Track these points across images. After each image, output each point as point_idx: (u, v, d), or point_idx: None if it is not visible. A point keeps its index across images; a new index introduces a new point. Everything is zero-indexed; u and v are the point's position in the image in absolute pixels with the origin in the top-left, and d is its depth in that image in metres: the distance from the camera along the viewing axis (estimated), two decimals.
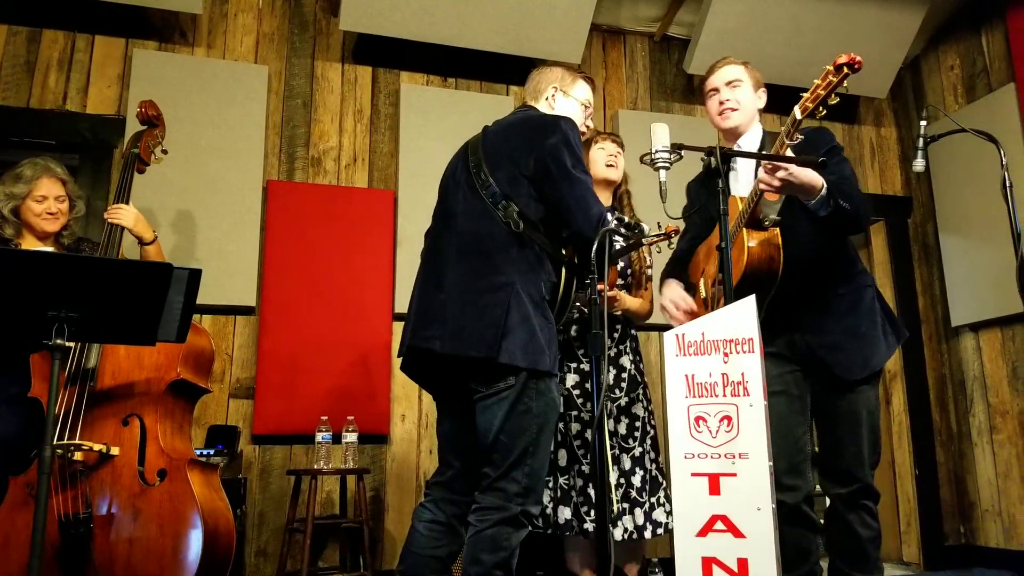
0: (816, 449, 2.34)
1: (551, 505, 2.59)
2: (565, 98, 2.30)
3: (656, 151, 2.08)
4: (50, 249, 2.72)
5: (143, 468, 2.32)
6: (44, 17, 3.65)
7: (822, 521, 2.26)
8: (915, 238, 4.83)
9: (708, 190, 2.43)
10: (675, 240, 2.53)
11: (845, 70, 1.82)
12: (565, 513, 2.54)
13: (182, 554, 2.24)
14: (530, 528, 1.99)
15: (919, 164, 2.85)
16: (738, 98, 2.34)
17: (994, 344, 4.31)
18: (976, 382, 4.42)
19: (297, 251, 3.73)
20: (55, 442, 2.22)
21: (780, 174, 1.95)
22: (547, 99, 2.31)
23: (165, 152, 2.87)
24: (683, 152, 2.19)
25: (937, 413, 4.57)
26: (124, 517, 2.27)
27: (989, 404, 4.32)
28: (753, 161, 2.30)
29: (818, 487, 2.43)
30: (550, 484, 2.62)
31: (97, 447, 2.28)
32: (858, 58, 1.83)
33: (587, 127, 2.35)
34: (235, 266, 3.63)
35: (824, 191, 2.03)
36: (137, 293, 2.08)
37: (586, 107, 2.34)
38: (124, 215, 2.65)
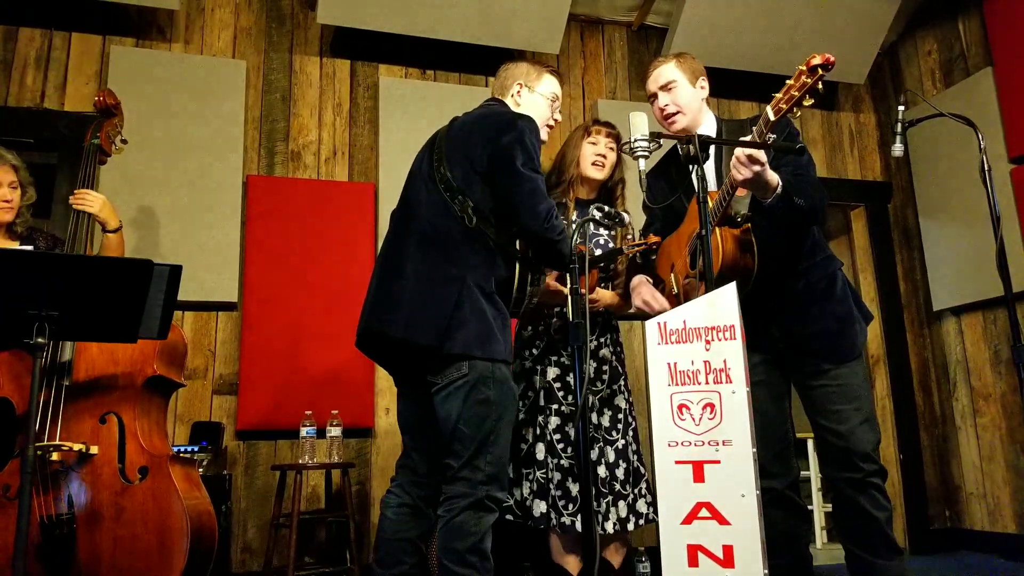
0: (800, 436, 2.34)
1: (529, 498, 2.59)
2: (531, 94, 2.34)
3: (635, 140, 2.08)
4: (5, 240, 2.67)
5: (123, 466, 2.30)
6: (20, 15, 3.60)
7: (820, 507, 2.22)
8: (895, 223, 4.87)
9: (668, 181, 2.43)
10: (656, 249, 2.51)
11: (819, 71, 1.79)
12: (541, 507, 2.54)
13: (168, 550, 2.23)
14: (498, 512, 2.02)
15: (898, 149, 2.85)
16: (677, 101, 2.32)
17: (976, 328, 4.36)
18: (959, 366, 4.47)
19: (278, 246, 3.71)
20: (35, 443, 2.21)
21: (755, 168, 1.94)
22: (512, 95, 2.35)
23: (125, 142, 2.82)
24: (662, 140, 2.20)
25: (920, 397, 4.62)
26: (107, 516, 2.25)
27: (972, 388, 4.37)
28: (714, 158, 2.30)
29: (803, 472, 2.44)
30: (529, 476, 2.62)
31: (76, 447, 2.26)
32: (832, 58, 1.79)
33: (554, 121, 2.39)
34: (216, 262, 3.60)
35: (780, 190, 2.03)
36: (118, 290, 2.06)
37: (553, 101, 2.38)
38: (91, 201, 2.60)
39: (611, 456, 2.64)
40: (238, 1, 3.96)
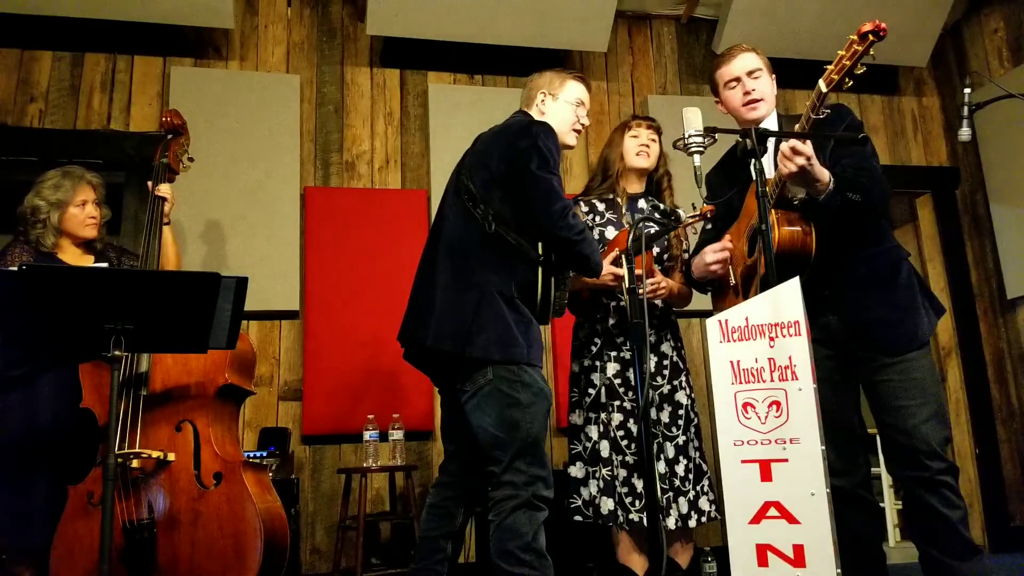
0: (871, 432, 2.27)
1: (597, 496, 2.58)
2: (554, 102, 2.38)
3: (689, 136, 2.05)
4: (86, 256, 2.79)
5: (199, 472, 2.38)
6: (85, 41, 3.76)
7: (892, 505, 2.14)
8: (964, 209, 4.69)
9: (728, 179, 2.39)
10: (711, 219, 2.48)
11: (870, 37, 1.75)
12: (608, 504, 2.54)
13: (243, 553, 2.30)
14: (547, 510, 2.05)
15: (965, 133, 2.76)
16: (762, 89, 2.30)
17: None
18: None
19: (336, 254, 3.78)
20: (116, 451, 2.31)
21: (799, 160, 1.90)
22: (537, 105, 2.40)
23: (192, 160, 2.92)
24: (717, 135, 2.16)
25: (996, 389, 4.44)
26: (185, 520, 2.33)
27: None
28: (772, 153, 2.25)
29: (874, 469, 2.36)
30: (595, 475, 2.61)
31: (155, 454, 2.35)
32: (883, 24, 1.75)
33: (581, 126, 2.42)
34: (278, 272, 3.69)
35: (832, 185, 1.97)
36: (188, 303, 2.13)
37: (578, 106, 2.40)
38: (167, 190, 2.74)
39: (671, 452, 2.62)
40: (290, 17, 4.05)
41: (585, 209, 2.85)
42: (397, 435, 3.25)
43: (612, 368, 2.66)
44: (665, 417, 2.66)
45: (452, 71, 4.19)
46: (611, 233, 2.78)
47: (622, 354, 2.67)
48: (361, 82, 4.08)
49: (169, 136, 2.87)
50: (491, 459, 2.08)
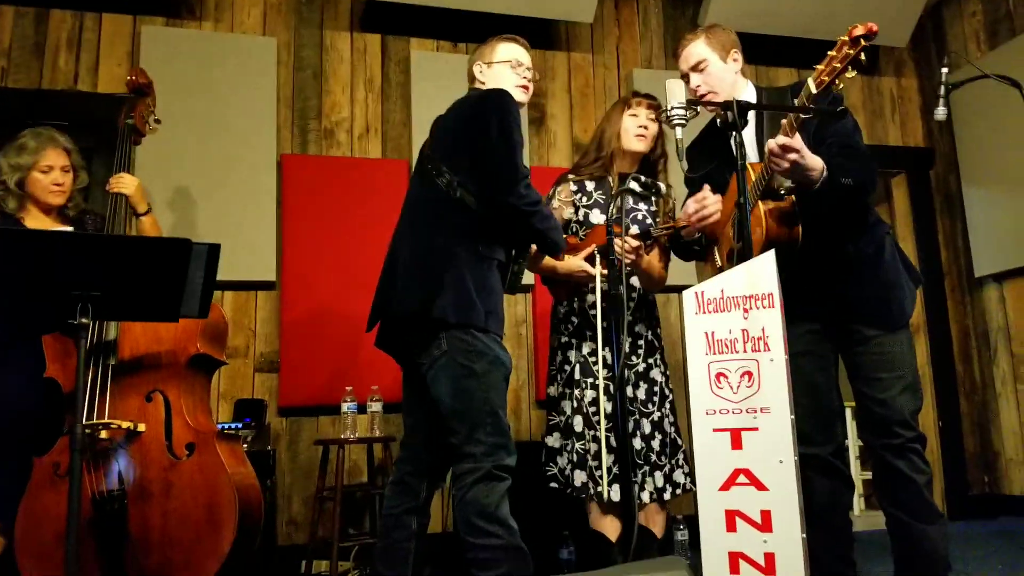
0: (846, 404, 2.32)
1: (568, 468, 2.62)
2: (490, 69, 2.37)
3: (672, 108, 2.04)
4: (57, 223, 2.70)
5: (170, 442, 2.36)
6: None
7: (859, 475, 2.19)
8: (937, 189, 4.76)
9: (709, 153, 2.38)
10: (683, 231, 2.47)
11: (862, 42, 1.75)
12: (581, 477, 2.59)
13: (217, 524, 2.29)
14: (510, 478, 2.05)
15: (940, 113, 2.78)
16: (708, 81, 2.27)
17: (1018, 293, 4.26)
18: (1000, 332, 4.38)
19: (314, 224, 3.74)
20: (84, 422, 2.26)
21: (791, 156, 1.90)
22: (478, 78, 2.40)
23: (158, 122, 2.82)
24: (699, 108, 2.16)
25: (960, 364, 4.54)
26: (156, 491, 2.31)
27: (1013, 354, 4.28)
28: (754, 126, 2.25)
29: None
30: (568, 448, 2.64)
31: (125, 424, 2.31)
32: (875, 27, 1.75)
33: (526, 81, 2.38)
34: (253, 241, 3.65)
35: (825, 173, 1.98)
36: (158, 270, 2.09)
37: (515, 65, 2.37)
38: (126, 183, 2.62)
39: (647, 428, 2.66)
40: None
41: (574, 188, 2.84)
42: (376, 407, 3.25)
43: (588, 346, 2.69)
44: (641, 394, 2.69)
45: (435, 38, 4.14)
46: (596, 216, 2.77)
47: (597, 334, 2.69)
48: (341, 47, 4.02)
49: (134, 96, 2.77)
50: (450, 431, 2.09)
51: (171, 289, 2.13)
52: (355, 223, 3.77)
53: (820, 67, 1.84)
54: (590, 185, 2.82)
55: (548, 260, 2.68)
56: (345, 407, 3.20)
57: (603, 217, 2.75)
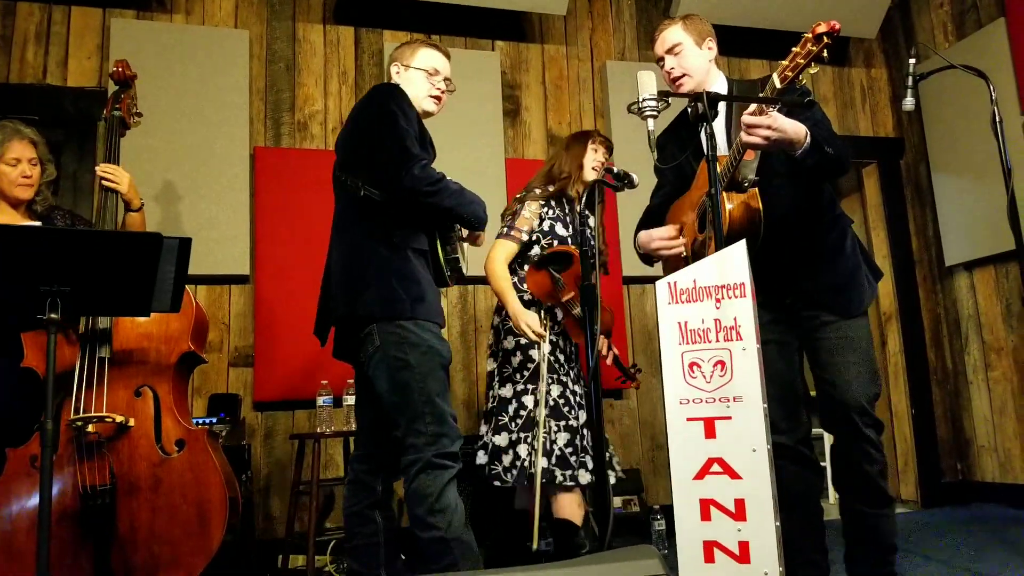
0: (812, 393, 2.35)
1: (527, 459, 2.71)
2: (407, 71, 2.37)
3: (643, 100, 2.06)
4: (25, 218, 2.65)
5: (160, 438, 2.36)
6: None
7: (824, 464, 2.25)
8: (908, 179, 4.82)
9: (679, 143, 2.41)
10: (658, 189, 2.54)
11: (825, 39, 1.79)
12: (544, 463, 2.67)
13: (207, 521, 2.29)
14: (455, 465, 2.08)
15: (909, 103, 2.82)
16: (683, 64, 2.29)
17: (988, 282, 4.33)
18: (971, 320, 4.45)
19: (288, 217, 3.72)
20: (73, 415, 2.27)
21: (764, 132, 1.92)
22: (392, 78, 2.40)
23: (140, 115, 2.81)
24: (671, 100, 2.17)
25: (932, 353, 4.61)
26: (145, 487, 2.30)
27: (984, 342, 4.36)
28: (724, 118, 2.28)
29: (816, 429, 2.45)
30: (527, 439, 2.72)
31: (119, 418, 2.30)
32: (837, 25, 1.79)
33: (440, 93, 2.38)
34: (226, 235, 3.61)
35: (808, 140, 2.01)
36: (128, 264, 2.07)
37: (431, 73, 2.36)
38: (119, 178, 2.60)
39: (582, 417, 2.82)
40: None
41: (541, 202, 2.93)
42: (352, 400, 3.23)
43: (546, 348, 2.80)
44: (579, 390, 2.86)
45: (409, 30, 4.11)
46: (560, 229, 2.92)
47: (552, 336, 2.83)
48: (314, 39, 3.98)
49: (121, 88, 2.75)
50: (394, 424, 2.12)
51: (142, 284, 2.11)
52: (329, 216, 3.72)
53: (784, 63, 1.88)
54: (553, 201, 2.95)
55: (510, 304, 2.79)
56: (321, 400, 3.18)
57: (566, 232, 2.91)
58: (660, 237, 2.33)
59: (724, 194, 2.09)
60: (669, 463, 1.76)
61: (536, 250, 2.89)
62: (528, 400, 2.78)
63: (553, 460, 2.67)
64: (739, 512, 1.64)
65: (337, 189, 2.32)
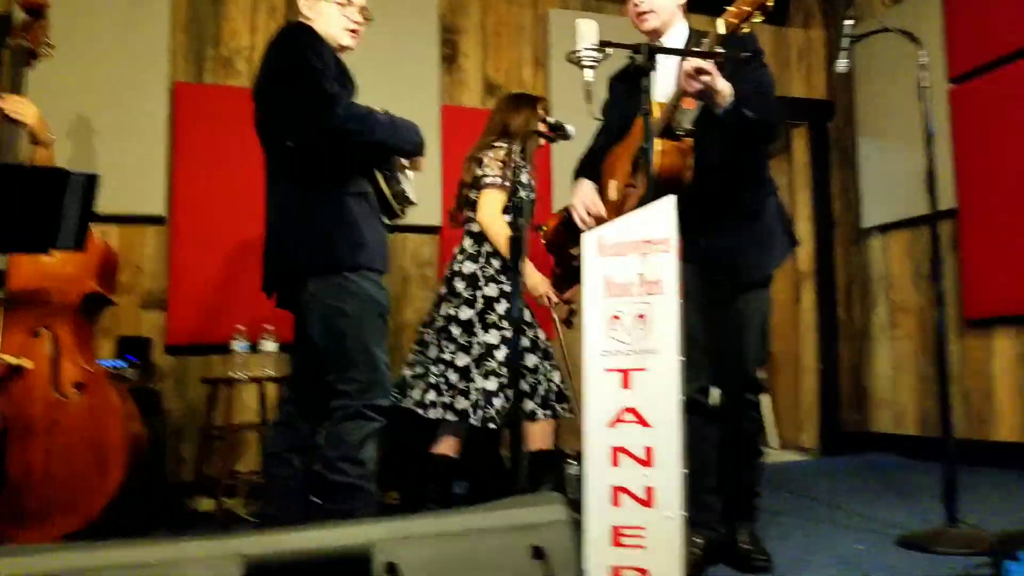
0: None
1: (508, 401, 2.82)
2: (316, 4, 2.22)
3: (582, 49, 2.05)
4: None
5: (58, 380, 2.28)
6: None
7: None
8: (835, 142, 4.93)
9: (629, 88, 2.40)
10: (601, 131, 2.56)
11: None
12: (530, 404, 2.84)
13: (105, 465, 2.25)
14: (381, 421, 2.08)
15: (842, 64, 2.84)
16: (652, 1, 2.28)
17: (901, 245, 4.51)
18: (881, 281, 4.64)
19: (209, 157, 3.57)
20: None
21: (704, 79, 1.96)
22: (303, 11, 2.26)
23: (51, 46, 2.64)
24: (611, 51, 2.16)
25: (843, 311, 4.81)
26: (40, 429, 2.23)
27: (892, 302, 4.56)
28: (672, 67, 2.28)
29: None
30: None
31: (14, 361, 2.22)
32: None
33: (355, 25, 2.24)
34: (142, 173, 3.47)
35: (732, 99, 2.05)
36: (31, 200, 1.98)
37: (343, 4, 2.22)
38: (26, 110, 2.45)
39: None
40: None
41: (503, 152, 2.95)
42: (270, 346, 3.18)
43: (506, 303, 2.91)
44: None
45: None
46: (524, 176, 2.99)
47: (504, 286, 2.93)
48: None
49: (30, 16, 2.56)
50: (326, 370, 2.10)
51: (45, 221, 2.01)
52: (253, 157, 3.57)
53: (731, 9, 1.89)
54: (519, 152, 3.00)
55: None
56: (236, 346, 3.12)
57: (527, 177, 3.00)
58: (585, 205, 2.37)
59: (657, 140, 2.11)
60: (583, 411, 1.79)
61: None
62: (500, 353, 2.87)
63: (553, 397, 2.88)
64: (647, 459, 1.68)
65: (262, 140, 2.22)
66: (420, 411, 2.83)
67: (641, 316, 1.79)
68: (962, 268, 4.03)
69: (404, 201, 2.26)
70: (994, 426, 3.89)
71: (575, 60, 2.09)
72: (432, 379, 2.87)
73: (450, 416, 2.80)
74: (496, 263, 2.95)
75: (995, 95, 3.85)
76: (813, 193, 4.84)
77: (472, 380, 2.82)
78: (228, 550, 0.89)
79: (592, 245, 1.85)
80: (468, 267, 2.94)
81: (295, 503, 2.17)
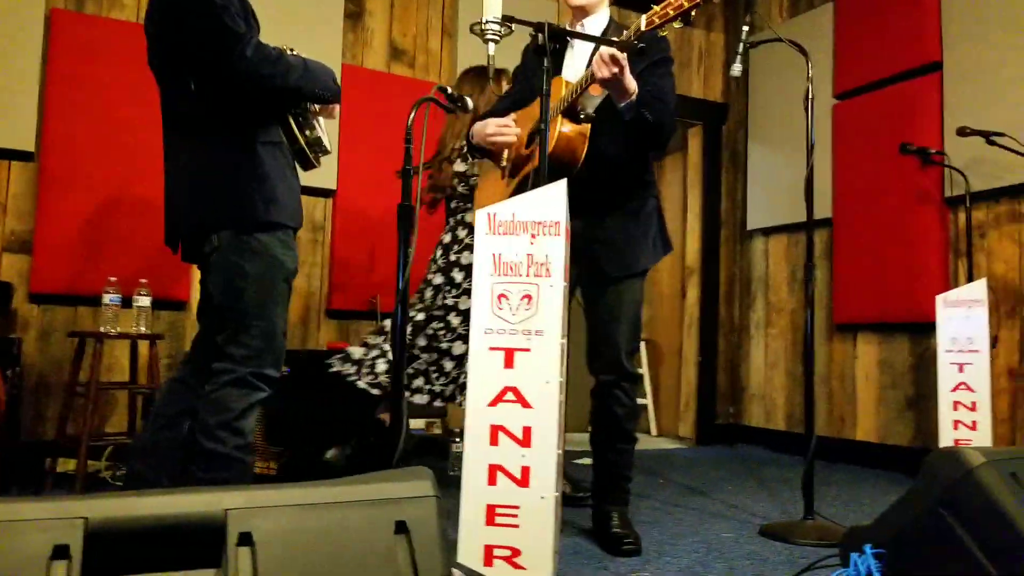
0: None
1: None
2: None
3: (486, 22, 2.04)
4: None
5: None
6: None
7: (644, 402, 2.42)
8: (727, 144, 5.13)
9: (538, 59, 2.40)
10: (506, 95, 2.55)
11: (699, 1, 1.87)
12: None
13: None
14: (267, 390, 1.98)
15: (736, 69, 2.96)
16: None
17: (780, 248, 4.76)
18: (760, 281, 4.89)
19: (87, 94, 3.32)
20: None
21: (614, 69, 2.01)
22: None
23: None
24: (513, 26, 2.15)
25: (724, 307, 5.03)
26: None
27: (768, 301, 4.82)
28: (589, 48, 2.30)
29: None
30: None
31: None
32: None
33: None
34: (9, 105, 3.19)
35: (635, 97, 2.12)
36: None
37: None
38: None
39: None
40: None
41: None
42: (143, 301, 3.00)
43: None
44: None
45: None
46: None
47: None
48: None
49: None
50: (218, 328, 1.97)
51: None
52: (136, 97, 3.35)
53: (656, 8, 1.93)
54: None
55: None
56: (107, 299, 2.91)
57: None
58: (496, 123, 2.33)
59: (560, 118, 2.16)
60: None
61: None
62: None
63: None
64: (525, 439, 1.71)
65: (160, 83, 2.04)
66: (407, 395, 2.86)
67: (527, 297, 1.81)
68: (834, 275, 4.30)
69: (320, 150, 2.12)
70: (854, 426, 4.18)
71: (479, 32, 2.08)
72: (421, 365, 2.91)
73: (438, 403, 2.90)
74: (461, 233, 3.02)
75: (872, 114, 4.10)
76: (704, 192, 5.02)
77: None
78: (69, 512, 0.83)
79: (483, 222, 1.85)
80: (467, 258, 2.97)
81: (172, 469, 2.04)
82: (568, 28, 2.32)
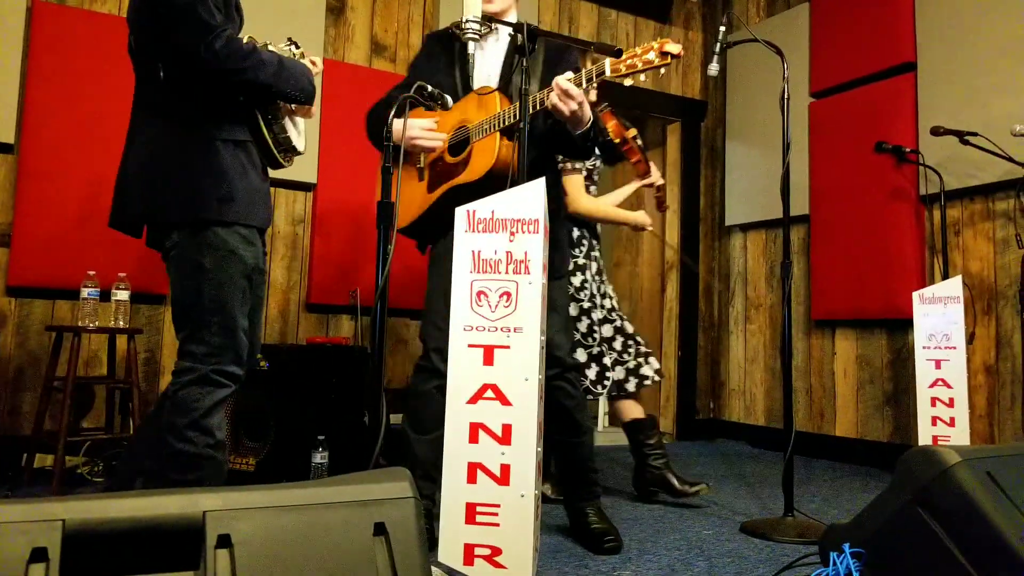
0: None
1: (613, 368, 3.01)
2: None
3: (466, 21, 2.05)
4: None
5: None
6: None
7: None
8: (705, 141, 5.17)
9: (450, 54, 2.39)
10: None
11: (669, 59, 1.88)
12: (620, 374, 3.04)
13: None
14: (231, 386, 1.95)
15: (713, 68, 2.99)
16: None
17: (758, 244, 4.81)
18: (739, 277, 4.94)
19: (69, 86, 3.30)
20: None
21: (574, 105, 2.02)
22: None
23: None
24: (494, 25, 2.16)
25: (703, 303, 5.08)
26: None
27: (747, 297, 4.87)
28: (503, 54, 2.34)
29: None
30: (608, 351, 3.01)
31: None
32: (682, 52, 1.93)
33: None
34: None
35: (590, 125, 2.16)
36: None
37: None
38: None
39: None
40: None
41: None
42: (122, 295, 2.98)
43: (595, 266, 3.06)
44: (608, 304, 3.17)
45: None
46: None
47: (595, 253, 3.09)
48: None
49: None
50: (178, 327, 1.95)
51: None
52: (118, 91, 3.31)
53: (624, 58, 1.94)
54: None
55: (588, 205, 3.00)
56: (85, 292, 2.90)
57: None
58: (423, 127, 2.28)
59: (498, 135, 2.16)
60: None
61: None
62: (596, 315, 3.02)
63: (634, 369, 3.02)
64: (505, 437, 1.72)
65: (136, 69, 2.03)
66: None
67: (506, 294, 1.82)
68: (811, 271, 4.35)
69: (289, 150, 2.10)
70: (833, 422, 4.24)
71: (460, 31, 2.08)
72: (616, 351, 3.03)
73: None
74: (577, 232, 3.08)
75: (848, 113, 4.15)
76: (682, 188, 5.05)
77: None
78: (47, 515, 0.83)
79: (463, 220, 1.86)
80: None
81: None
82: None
